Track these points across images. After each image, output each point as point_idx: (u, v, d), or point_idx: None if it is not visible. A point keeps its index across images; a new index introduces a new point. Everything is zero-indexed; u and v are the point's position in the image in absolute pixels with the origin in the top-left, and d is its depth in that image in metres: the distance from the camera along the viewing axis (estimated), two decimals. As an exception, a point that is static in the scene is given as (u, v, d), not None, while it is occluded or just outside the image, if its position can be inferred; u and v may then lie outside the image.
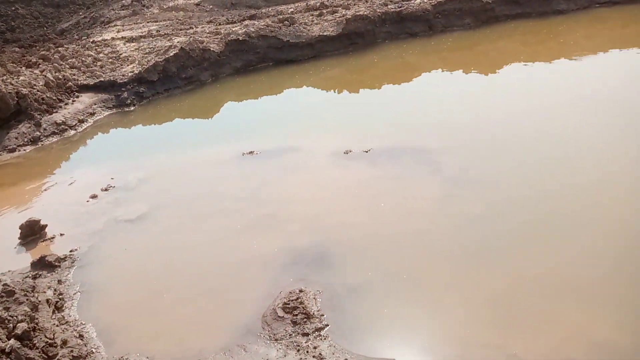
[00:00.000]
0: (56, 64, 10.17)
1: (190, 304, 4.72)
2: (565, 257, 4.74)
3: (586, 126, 6.83)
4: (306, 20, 11.31)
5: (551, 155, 6.31)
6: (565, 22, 10.56)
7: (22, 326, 4.00)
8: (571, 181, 5.75)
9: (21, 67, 10.03)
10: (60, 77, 9.68)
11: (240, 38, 10.75)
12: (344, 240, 5.33)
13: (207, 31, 11.53)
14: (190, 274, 5.13)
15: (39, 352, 3.92)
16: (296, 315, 4.23)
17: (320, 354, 3.93)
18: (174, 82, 10.12)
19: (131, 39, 11.66)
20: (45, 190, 7.11)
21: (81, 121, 9.05)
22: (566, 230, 5.07)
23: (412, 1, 11.25)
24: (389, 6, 11.26)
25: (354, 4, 11.83)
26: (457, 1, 10.94)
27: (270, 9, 12.75)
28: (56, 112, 9.04)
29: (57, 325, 4.36)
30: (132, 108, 9.57)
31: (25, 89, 8.79)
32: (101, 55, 10.86)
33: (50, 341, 4.06)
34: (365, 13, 10.99)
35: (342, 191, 6.21)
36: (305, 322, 4.19)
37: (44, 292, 4.75)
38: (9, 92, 8.60)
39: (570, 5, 10.81)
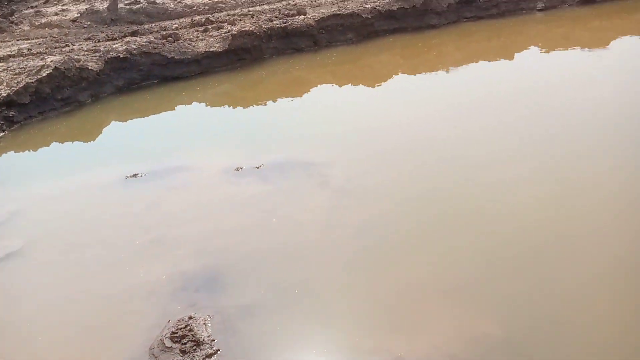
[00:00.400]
0: None
1: (69, 345, 4.40)
2: (446, 259, 5.05)
3: (467, 132, 7.32)
4: (191, 36, 11.11)
5: (435, 162, 6.70)
6: (438, 35, 11.33)
7: None
8: (451, 186, 6.15)
9: None
10: None
11: (122, 55, 10.30)
12: (236, 260, 5.27)
13: (85, 49, 10.91)
14: (69, 312, 4.79)
15: None
16: (185, 344, 4.09)
17: (211, 381, 3.83)
18: (49, 104, 9.44)
19: (-2, 59, 10.71)
20: None
21: (-61, 151, 8.14)
22: (448, 233, 5.40)
23: (297, 17, 11.46)
24: (274, 22, 11.38)
25: (240, 20, 11.81)
26: (339, 17, 11.32)
27: (153, 24, 12.35)
28: None
29: None
30: (1, 134, 8.78)
31: None
32: (-38, 77, 9.86)
33: None
34: (250, 29, 11.02)
35: (232, 210, 6.14)
36: (195, 349, 4.07)
37: None
38: None
39: (441, 20, 11.62)
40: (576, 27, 11.24)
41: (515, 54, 10.83)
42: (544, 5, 11.82)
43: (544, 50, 10.93)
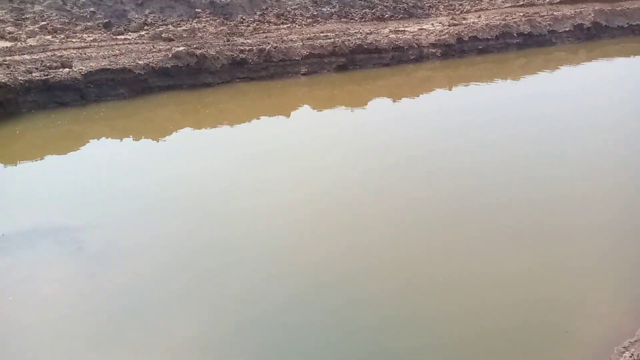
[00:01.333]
0: None
1: None
2: (207, 317, 4.98)
3: (244, 186, 7.49)
4: None
5: (204, 217, 6.64)
6: (213, 93, 11.59)
7: None
8: (219, 241, 6.16)
9: None
10: None
11: None
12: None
13: None
14: None
15: None
16: None
17: None
18: None
19: None
20: None
21: None
22: (208, 293, 5.34)
23: (61, 70, 10.64)
24: (34, 74, 10.39)
25: (-8, 70, 10.50)
26: (110, 72, 10.85)
27: None
28: None
29: None
30: None
31: None
32: None
33: None
34: (4, 81, 9.87)
35: (-45, 291, 5.19)
36: None
37: None
38: None
39: (216, 79, 11.95)
40: (335, 90, 12.59)
41: (292, 112, 11.59)
42: (306, 70, 13.05)
43: (315, 108, 11.93)
